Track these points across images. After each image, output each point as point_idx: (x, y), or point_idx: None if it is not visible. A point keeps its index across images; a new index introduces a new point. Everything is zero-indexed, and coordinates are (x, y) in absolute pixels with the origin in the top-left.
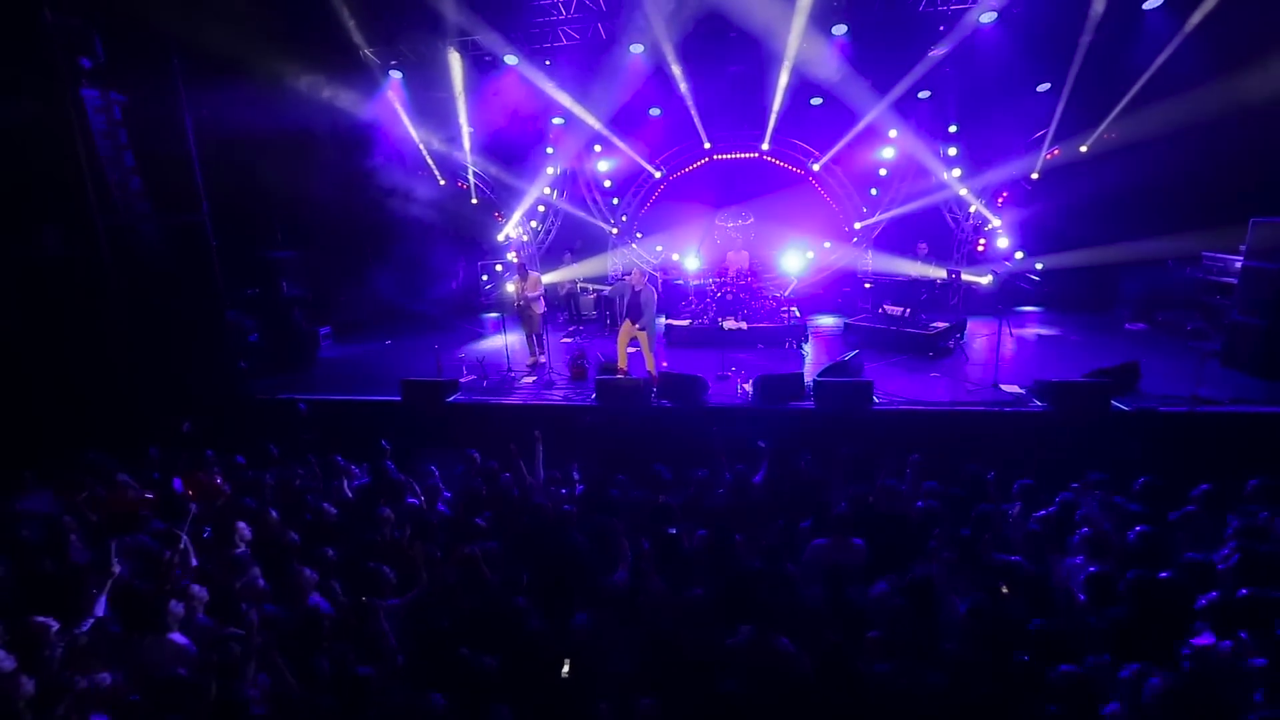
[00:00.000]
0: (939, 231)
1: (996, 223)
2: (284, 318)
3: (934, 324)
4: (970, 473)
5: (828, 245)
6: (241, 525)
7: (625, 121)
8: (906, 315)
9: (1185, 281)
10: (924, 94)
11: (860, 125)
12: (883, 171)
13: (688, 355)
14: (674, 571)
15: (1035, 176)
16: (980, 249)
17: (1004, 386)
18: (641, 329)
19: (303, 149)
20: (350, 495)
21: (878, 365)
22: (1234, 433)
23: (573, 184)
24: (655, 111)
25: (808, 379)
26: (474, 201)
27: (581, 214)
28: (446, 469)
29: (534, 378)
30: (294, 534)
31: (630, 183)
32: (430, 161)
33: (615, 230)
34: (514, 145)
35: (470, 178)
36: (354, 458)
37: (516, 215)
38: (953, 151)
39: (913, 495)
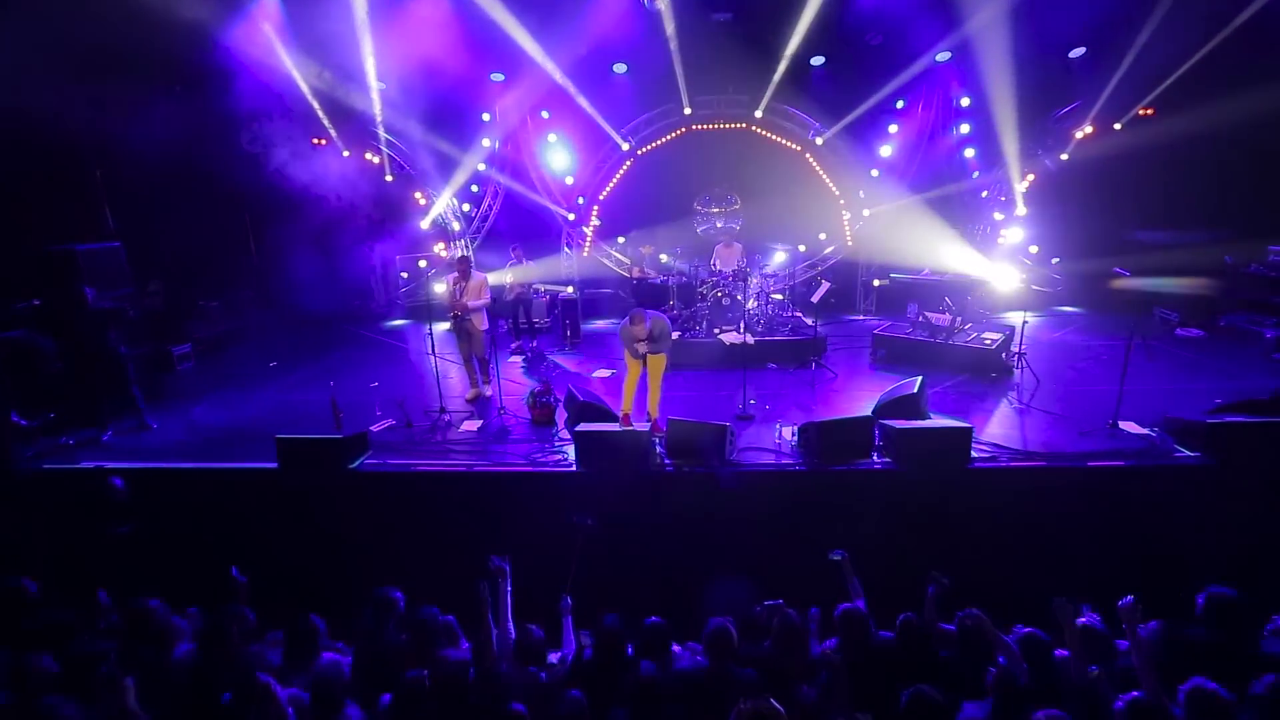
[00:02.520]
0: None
1: (1023, 212)
2: (94, 340)
3: (984, 335)
4: (1212, 600)
5: (823, 236)
6: None
7: (585, 78)
8: (958, 325)
9: (1244, 282)
10: (943, 56)
11: (881, 94)
12: (886, 150)
13: (681, 380)
14: None
15: (1064, 158)
16: (1000, 241)
17: (1124, 425)
18: (657, 352)
19: (122, 85)
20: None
21: (932, 393)
22: None
23: (515, 157)
24: (621, 68)
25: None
26: (389, 178)
27: (533, 195)
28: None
29: (480, 422)
30: None
31: (590, 156)
32: (326, 122)
33: (571, 216)
34: (441, 105)
35: (383, 146)
36: (188, 590)
37: (445, 196)
38: (965, 129)
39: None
